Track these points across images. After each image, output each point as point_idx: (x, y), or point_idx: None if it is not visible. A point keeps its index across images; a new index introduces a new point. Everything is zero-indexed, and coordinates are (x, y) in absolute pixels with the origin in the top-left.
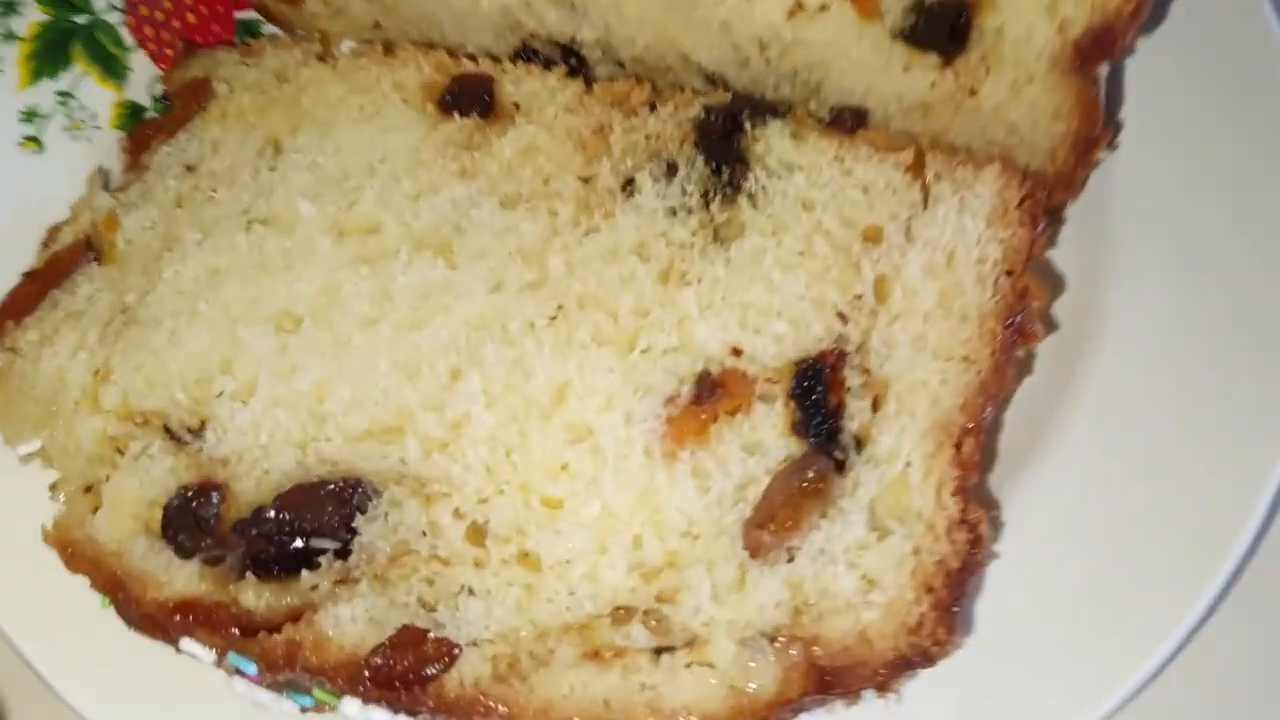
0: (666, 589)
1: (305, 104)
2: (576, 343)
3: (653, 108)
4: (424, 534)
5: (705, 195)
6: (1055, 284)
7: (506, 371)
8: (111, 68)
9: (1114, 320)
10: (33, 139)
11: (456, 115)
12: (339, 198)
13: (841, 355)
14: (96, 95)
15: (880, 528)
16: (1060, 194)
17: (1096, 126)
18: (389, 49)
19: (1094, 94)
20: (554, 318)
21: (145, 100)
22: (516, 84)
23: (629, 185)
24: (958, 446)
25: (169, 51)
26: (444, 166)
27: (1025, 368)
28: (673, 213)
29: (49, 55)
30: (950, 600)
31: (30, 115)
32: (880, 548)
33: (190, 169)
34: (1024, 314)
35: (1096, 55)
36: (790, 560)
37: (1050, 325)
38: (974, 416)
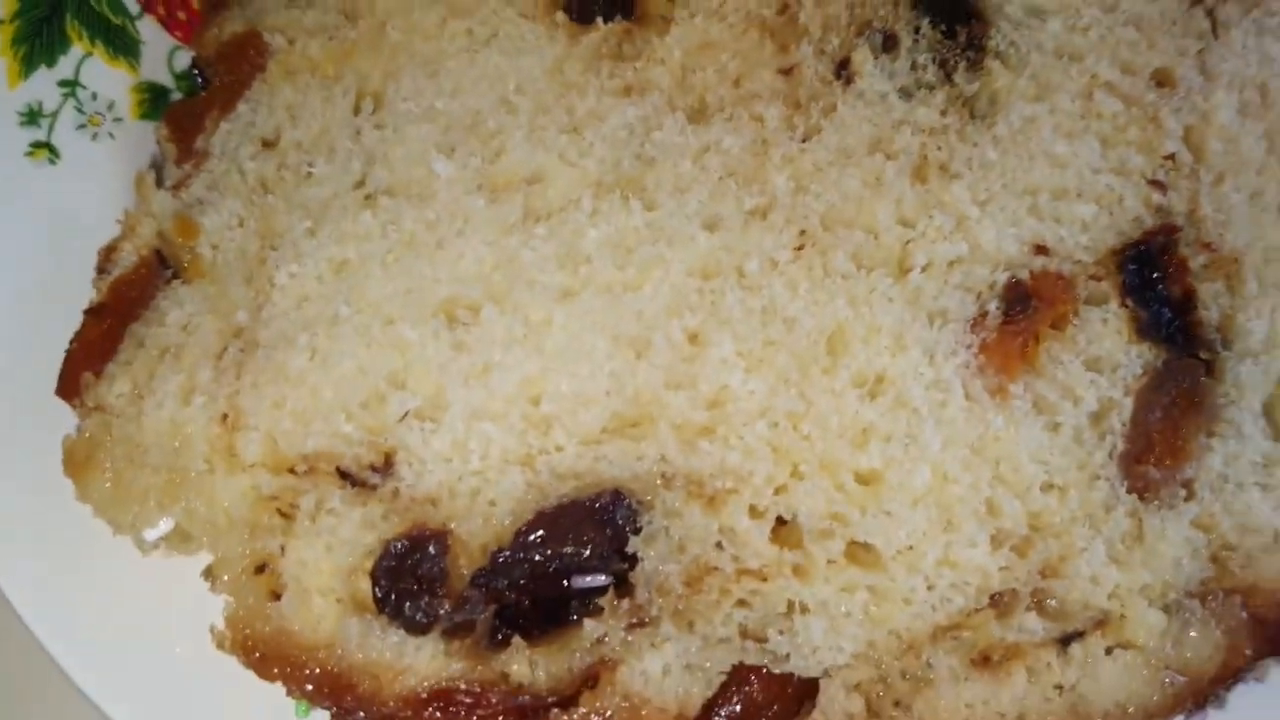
0: (1050, 560)
1: (394, 39)
2: (837, 273)
3: None
4: (720, 545)
5: (944, 65)
6: None
7: (759, 325)
8: (117, 41)
9: None
10: (42, 145)
11: (599, 21)
12: (477, 146)
13: (1171, 231)
14: (108, 79)
15: None
16: None
17: None
18: None
19: None
20: (799, 247)
21: (167, 79)
22: None
23: (843, 70)
24: None
25: (181, 15)
26: (600, 86)
27: None
28: (907, 94)
29: (39, 36)
30: None
31: (32, 116)
32: None
33: (268, 144)
34: None
35: None
36: (1189, 496)
37: None
38: None
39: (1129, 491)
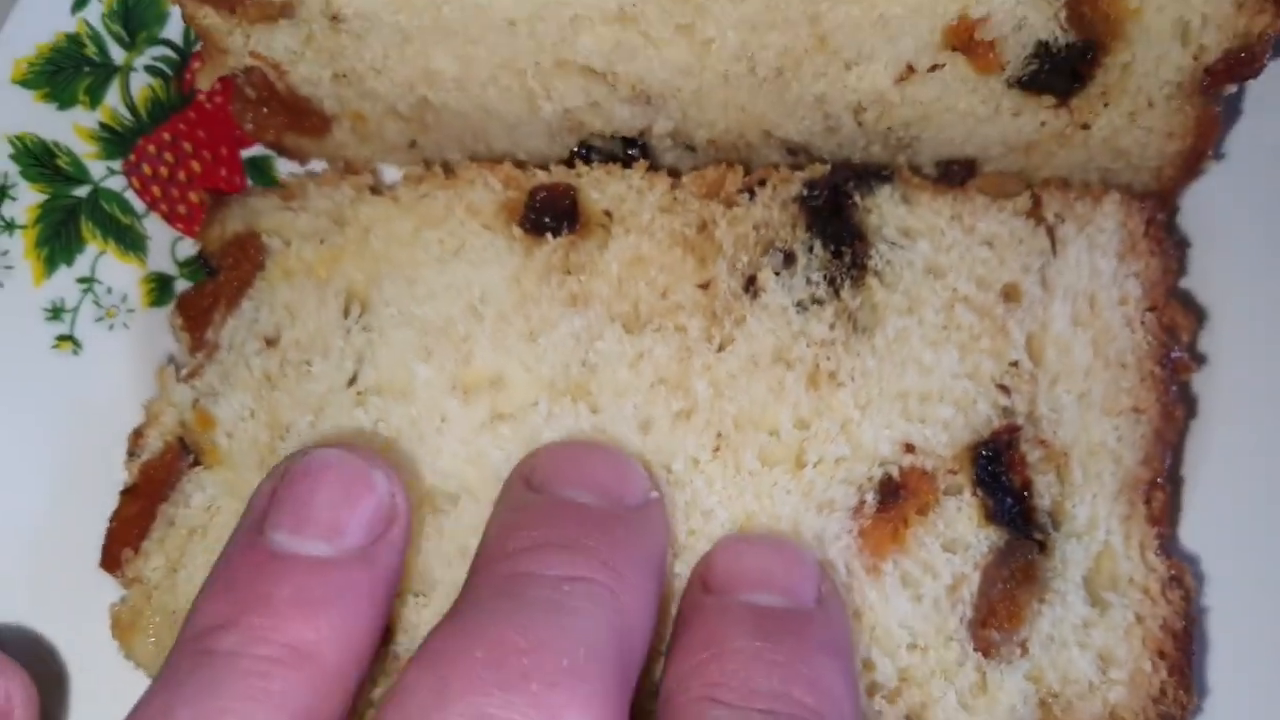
0: (914, 707)
1: (376, 247)
2: (746, 470)
3: (750, 193)
4: None
5: (832, 281)
6: (1198, 311)
7: (684, 516)
8: (127, 239)
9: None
10: (66, 338)
11: (548, 235)
12: (450, 351)
13: (1014, 430)
14: (120, 273)
15: (1099, 601)
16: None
17: (1212, 142)
18: (449, 170)
19: (1215, 112)
20: (716, 448)
21: (170, 267)
22: (600, 188)
23: (751, 284)
24: (1148, 503)
25: (181, 209)
26: (551, 295)
27: (1191, 408)
28: (803, 306)
29: (58, 239)
30: (1183, 662)
31: (56, 312)
32: (1105, 622)
33: (270, 342)
34: (1177, 346)
35: (1230, 78)
36: (1024, 653)
37: (1199, 357)
38: (1157, 469)
39: (975, 650)
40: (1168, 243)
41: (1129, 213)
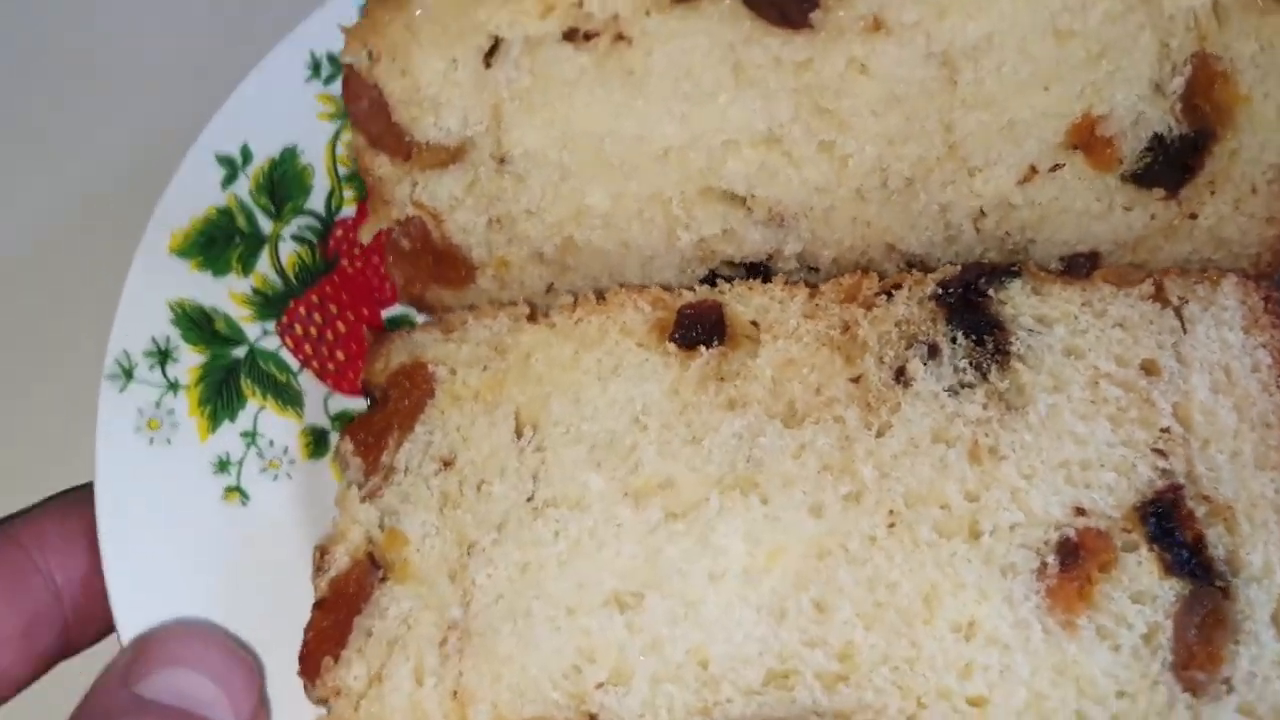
0: None
1: (539, 370)
2: (923, 543)
3: (888, 295)
4: None
5: (979, 367)
6: None
7: (868, 590)
8: (285, 395)
9: None
10: (234, 489)
11: (701, 348)
12: (619, 462)
13: (1177, 489)
14: (280, 427)
15: None
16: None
17: None
18: (600, 296)
19: None
20: (891, 525)
21: (324, 421)
22: (743, 302)
23: (901, 375)
24: None
25: (331, 366)
26: (710, 402)
27: None
28: (954, 391)
29: (220, 397)
30: None
31: (222, 465)
32: None
33: (447, 463)
34: None
35: None
36: (1230, 690)
37: None
38: None
39: (1183, 691)
40: None
41: (1246, 291)
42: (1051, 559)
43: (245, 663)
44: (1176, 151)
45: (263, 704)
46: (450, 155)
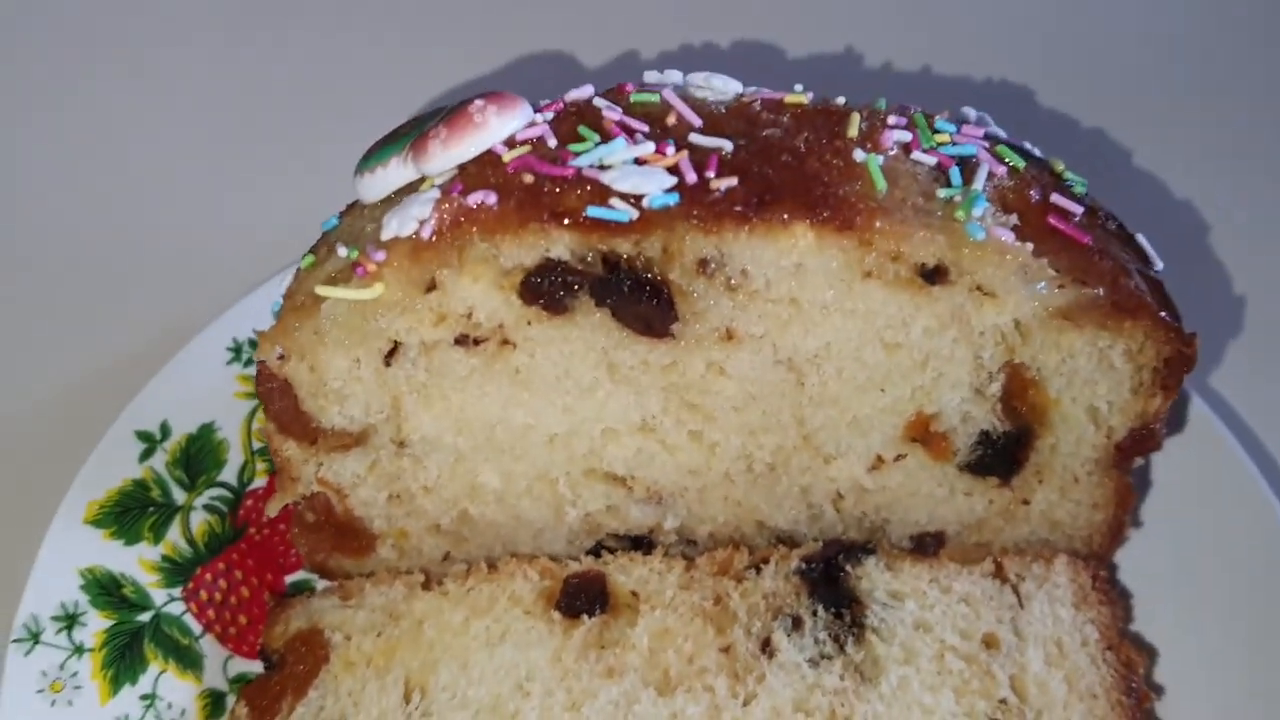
0: None
1: (430, 636)
2: None
3: (757, 570)
4: None
5: (837, 639)
6: (1150, 650)
7: None
8: (186, 658)
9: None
10: None
11: (584, 617)
12: None
13: None
14: (179, 690)
15: None
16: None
17: (1129, 510)
18: (491, 565)
19: (1128, 483)
20: None
21: (223, 684)
22: (626, 573)
23: (767, 646)
24: None
25: (233, 630)
26: (590, 669)
27: None
28: (815, 663)
29: (123, 660)
30: None
31: None
32: None
33: None
34: (1134, 678)
35: (1136, 452)
36: None
37: (1156, 687)
38: None
39: None
40: (1113, 593)
41: (1076, 570)
42: None
43: None
44: (1003, 446)
45: None
46: (353, 440)
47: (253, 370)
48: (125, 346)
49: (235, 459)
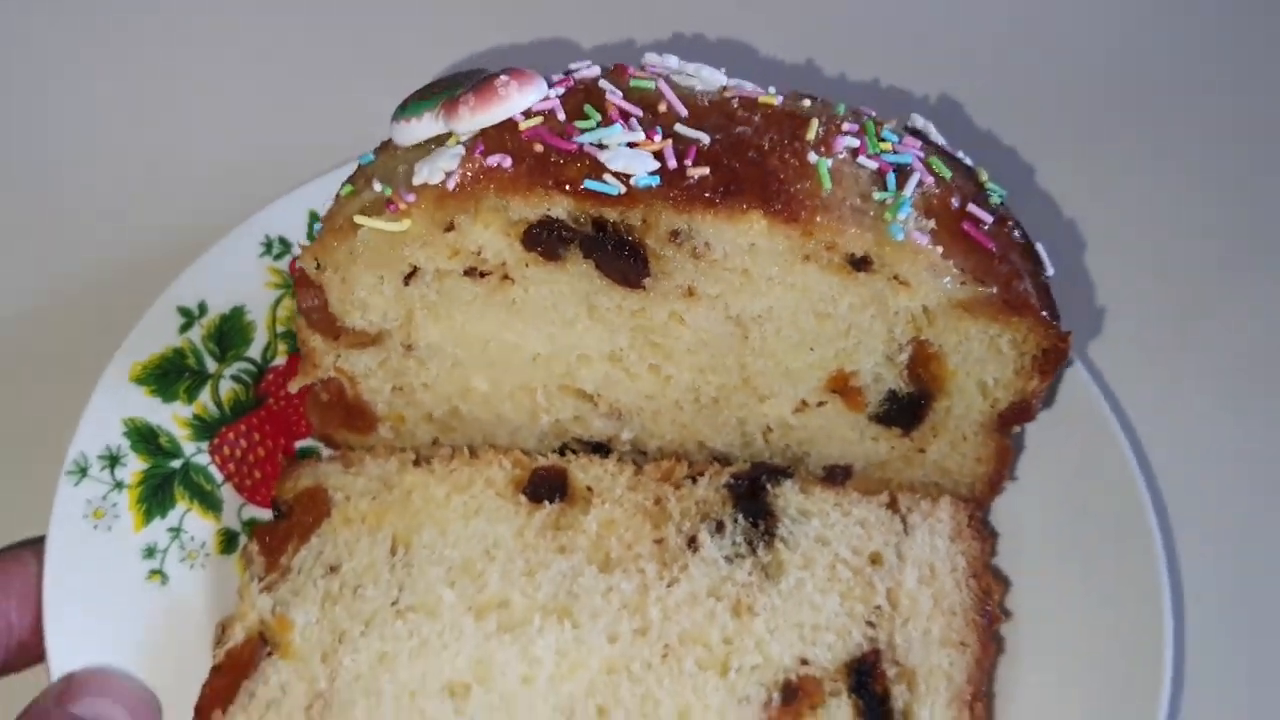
0: None
1: (416, 504)
2: (686, 673)
3: (693, 480)
4: None
5: (751, 544)
6: (1005, 580)
7: (640, 703)
8: (208, 501)
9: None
10: (156, 572)
11: (546, 503)
12: (469, 583)
13: (878, 654)
14: (200, 527)
15: None
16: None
17: (1006, 468)
18: (473, 452)
19: (1008, 445)
20: (665, 656)
21: (237, 525)
22: (584, 471)
23: (692, 543)
24: (972, 708)
25: (248, 483)
26: (546, 546)
27: (1000, 645)
28: (730, 560)
29: (155, 497)
30: None
31: (151, 552)
32: None
33: (333, 569)
34: (990, 603)
35: (1015, 421)
36: None
37: (1006, 611)
38: (979, 685)
39: None
40: (984, 532)
41: (957, 509)
42: (776, 696)
43: (152, 704)
44: (906, 404)
45: None
46: (369, 339)
47: (281, 264)
48: (174, 235)
49: (260, 339)
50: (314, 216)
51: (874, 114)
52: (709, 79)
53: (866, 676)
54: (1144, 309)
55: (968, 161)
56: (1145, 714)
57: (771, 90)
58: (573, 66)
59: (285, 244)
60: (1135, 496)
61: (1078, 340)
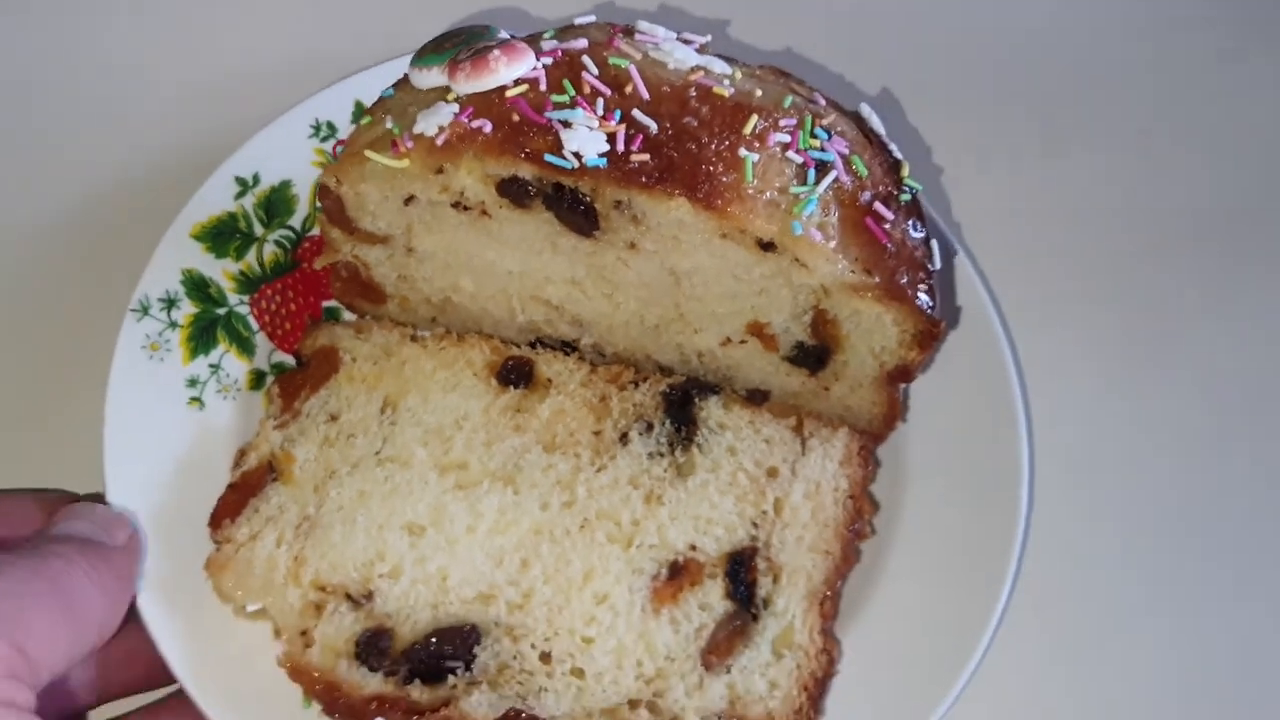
0: (659, 689)
1: (408, 373)
2: (597, 543)
3: (636, 385)
4: (514, 658)
5: (671, 445)
6: (876, 503)
7: (555, 561)
8: (244, 345)
9: (904, 528)
10: (196, 399)
11: (512, 387)
12: (439, 445)
13: (755, 550)
14: (236, 366)
15: (777, 653)
16: (873, 444)
17: (896, 414)
18: (460, 336)
19: (897, 396)
20: (582, 527)
21: (266, 367)
22: (548, 364)
23: (624, 438)
24: (822, 605)
25: (279, 334)
26: (505, 423)
27: (858, 556)
28: (651, 456)
29: (202, 338)
30: (818, 695)
31: (193, 383)
32: (777, 665)
33: (334, 418)
34: (860, 522)
35: (899, 380)
36: (728, 672)
37: (872, 529)
38: (832, 586)
39: (701, 666)
40: (870, 461)
41: (852, 439)
42: (664, 572)
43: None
44: (811, 353)
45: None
46: (378, 239)
47: (327, 146)
48: (235, 116)
49: (301, 210)
50: (359, 106)
51: (823, 104)
52: (681, 58)
53: (741, 567)
54: (1057, 289)
55: (897, 155)
56: (983, 613)
57: (726, 83)
58: (578, 21)
59: (332, 128)
60: (1014, 452)
61: (1001, 306)
